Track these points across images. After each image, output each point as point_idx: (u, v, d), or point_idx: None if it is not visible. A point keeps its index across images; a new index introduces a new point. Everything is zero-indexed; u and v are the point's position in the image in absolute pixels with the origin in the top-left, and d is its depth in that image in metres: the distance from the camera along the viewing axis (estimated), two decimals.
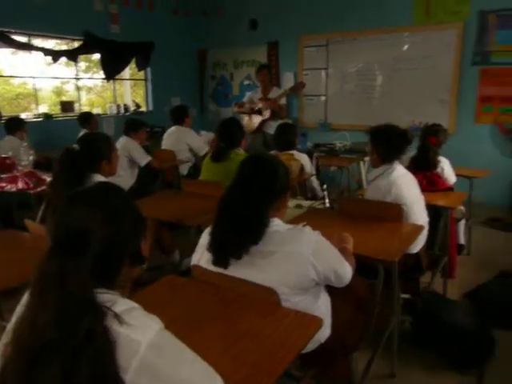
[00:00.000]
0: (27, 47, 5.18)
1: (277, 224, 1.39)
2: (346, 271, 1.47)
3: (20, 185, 3.06)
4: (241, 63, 6.74)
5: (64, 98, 6.29)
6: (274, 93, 4.90)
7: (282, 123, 3.66)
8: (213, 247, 1.39)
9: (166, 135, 4.56)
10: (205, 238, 1.48)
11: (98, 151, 2.14)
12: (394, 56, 5.38)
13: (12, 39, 4.93)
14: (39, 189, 3.09)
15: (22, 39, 5.12)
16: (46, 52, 5.33)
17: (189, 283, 1.53)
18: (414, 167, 2.97)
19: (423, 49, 5.17)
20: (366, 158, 4.29)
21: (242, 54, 6.67)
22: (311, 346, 1.47)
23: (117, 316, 0.78)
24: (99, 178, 2.13)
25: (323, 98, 5.99)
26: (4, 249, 1.98)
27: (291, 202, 2.82)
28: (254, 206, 1.34)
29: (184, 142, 4.35)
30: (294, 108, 6.18)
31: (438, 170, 3.10)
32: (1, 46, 4.91)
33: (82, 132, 4.97)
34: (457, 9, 4.91)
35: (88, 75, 6.70)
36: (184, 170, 4.39)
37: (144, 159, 3.87)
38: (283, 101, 4.94)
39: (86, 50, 5.72)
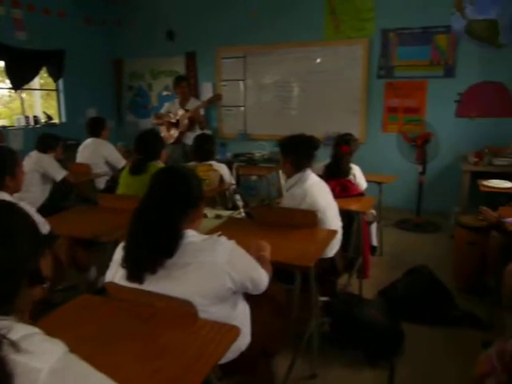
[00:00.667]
0: None
1: (191, 235, 1.39)
2: (262, 278, 1.51)
3: None
4: (158, 73, 6.65)
5: None
6: (192, 104, 4.90)
7: (200, 134, 3.67)
8: (127, 262, 1.36)
9: (81, 148, 4.36)
10: (119, 254, 1.44)
11: (1, 166, 2.00)
12: (308, 69, 5.63)
13: None
14: None
15: None
16: None
17: (104, 301, 1.48)
18: (328, 175, 3.14)
19: (334, 62, 5.47)
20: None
21: (160, 65, 6.59)
22: (232, 354, 1.48)
23: (13, 344, 0.74)
24: (4, 195, 1.99)
25: (242, 109, 6.09)
26: None
27: (211, 213, 2.83)
28: (167, 219, 1.34)
29: (100, 154, 4.19)
30: (214, 119, 6.22)
31: (350, 176, 3.29)
32: None
33: None
34: (362, 26, 5.28)
35: None
36: (101, 183, 4.22)
37: (60, 174, 3.66)
38: (201, 112, 4.96)
39: None
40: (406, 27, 5.03)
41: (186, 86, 4.93)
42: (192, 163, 3.47)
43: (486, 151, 4.42)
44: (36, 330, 0.81)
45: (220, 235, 1.44)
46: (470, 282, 3.09)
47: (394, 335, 2.43)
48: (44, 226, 2.10)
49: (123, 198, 2.79)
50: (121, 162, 4.25)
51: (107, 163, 4.26)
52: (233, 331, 1.25)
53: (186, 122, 4.80)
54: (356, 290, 3.07)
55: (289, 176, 2.50)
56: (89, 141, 4.33)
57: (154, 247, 1.31)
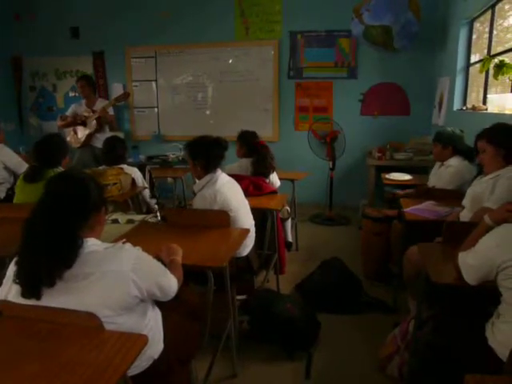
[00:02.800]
0: None
1: (93, 244, 1.33)
2: (170, 284, 1.48)
3: None
4: (64, 73, 6.27)
5: None
6: (100, 104, 4.68)
7: (110, 137, 3.52)
8: (20, 277, 1.26)
9: None
10: (12, 269, 1.33)
11: None
12: (220, 69, 5.65)
13: None
14: None
15: None
16: None
17: None
18: (257, 171, 3.21)
19: (246, 63, 5.55)
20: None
21: (65, 64, 6.20)
22: (144, 363, 1.44)
23: None
24: None
25: (155, 110, 5.95)
26: None
27: (123, 218, 2.73)
28: (62, 226, 1.26)
29: None
30: (126, 120, 6.01)
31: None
32: None
33: None
34: (271, 28, 5.41)
35: None
36: (1, 192, 3.87)
37: None
38: (110, 112, 4.75)
39: None
40: (312, 30, 5.24)
41: (86, 84, 4.69)
42: (102, 167, 3.32)
43: (388, 147, 4.76)
44: None
45: (125, 242, 1.39)
46: (376, 269, 3.30)
47: (309, 327, 2.53)
48: None
49: (21, 207, 2.57)
50: (22, 166, 3.92)
51: (6, 169, 3.92)
52: (140, 340, 1.22)
53: (93, 123, 4.57)
54: (274, 286, 3.14)
55: (199, 178, 2.48)
56: None
57: (49, 257, 1.23)
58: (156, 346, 1.48)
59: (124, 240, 1.40)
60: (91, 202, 1.34)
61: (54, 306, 1.26)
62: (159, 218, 2.64)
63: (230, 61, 5.60)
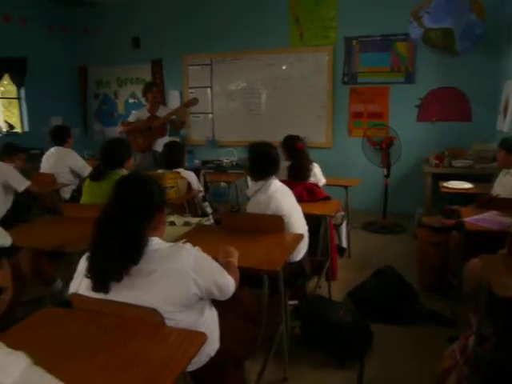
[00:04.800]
0: None
1: (156, 242, 1.40)
2: (228, 284, 1.52)
3: None
4: (125, 81, 6.59)
5: None
6: (162, 111, 4.86)
7: (170, 142, 3.65)
8: (91, 272, 1.34)
9: (44, 157, 4.25)
10: (82, 265, 1.42)
11: None
12: (274, 75, 5.70)
13: None
14: None
15: None
16: None
17: (67, 313, 1.45)
18: (292, 176, 3.17)
19: (300, 69, 5.56)
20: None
21: (126, 72, 6.52)
22: (201, 361, 1.49)
23: None
24: None
25: (210, 116, 6.10)
26: None
27: (179, 220, 2.83)
28: (131, 226, 1.34)
29: (65, 163, 4.11)
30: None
31: (314, 179, 3.35)
32: None
33: None
34: (326, 34, 5.40)
35: None
36: (66, 193, 4.13)
37: (22, 184, 3.55)
38: (174, 117, 4.92)
39: None
40: (367, 35, 5.17)
41: (157, 91, 4.90)
42: (160, 170, 3.45)
43: (446, 154, 4.58)
44: None
45: (185, 242, 1.45)
46: (433, 280, 3.19)
47: (362, 335, 2.49)
48: (6, 239, 2.04)
49: (88, 207, 2.74)
50: (86, 170, 4.17)
51: (72, 172, 4.18)
52: (200, 337, 1.26)
53: (157, 128, 4.75)
54: (325, 292, 3.12)
55: (253, 181, 2.53)
56: (52, 150, 4.24)
57: (119, 254, 1.31)
58: (213, 344, 1.53)
59: (184, 240, 1.46)
60: (155, 202, 1.42)
61: (120, 301, 1.34)
62: (213, 221, 2.70)
63: (284, 67, 5.64)
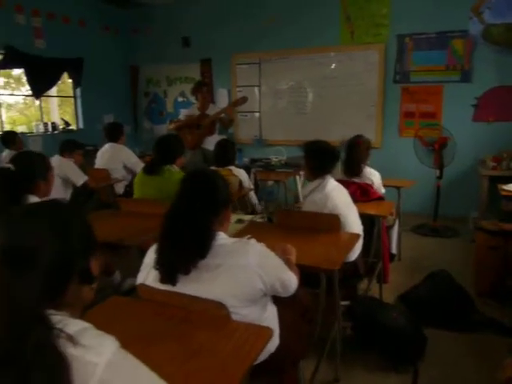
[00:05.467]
0: None
1: (222, 237, 1.42)
2: (291, 281, 1.52)
3: None
4: (174, 80, 6.73)
5: None
6: (212, 109, 4.93)
7: (222, 139, 3.70)
8: (160, 264, 1.38)
9: (99, 153, 4.42)
10: (150, 257, 1.46)
11: (34, 170, 2.06)
12: (322, 74, 5.66)
13: None
14: None
15: None
16: None
17: (134, 303, 1.50)
18: (346, 171, 3.14)
19: (350, 67, 5.48)
20: (302, 172, 4.45)
21: (176, 71, 6.66)
22: (262, 356, 1.49)
23: (70, 338, 0.76)
24: (34, 199, 2.03)
25: (257, 115, 6.13)
26: None
27: (232, 217, 2.86)
28: (199, 220, 1.36)
29: (119, 159, 4.25)
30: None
31: (368, 182, 3.29)
32: None
33: (6, 152, 4.69)
34: (377, 32, 5.29)
35: (7, 92, 6.31)
36: (120, 188, 4.27)
37: (80, 179, 3.72)
38: (223, 115, 4.98)
39: (7, 64, 5.41)
40: (421, 32, 5.02)
41: (207, 91, 4.98)
42: (212, 168, 3.51)
43: (504, 155, 4.38)
44: (88, 324, 0.84)
45: (250, 238, 1.46)
46: (491, 286, 3.06)
47: (416, 339, 2.42)
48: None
49: (143, 201, 2.83)
50: (139, 166, 4.29)
51: (125, 168, 4.31)
52: (266, 332, 1.27)
53: (206, 126, 4.83)
54: (376, 295, 3.06)
55: (308, 179, 2.53)
56: (106, 146, 4.39)
57: (188, 248, 1.34)
58: (274, 341, 1.53)
59: (249, 236, 1.48)
60: (222, 198, 1.44)
61: (186, 293, 1.37)
62: (266, 218, 2.71)
63: (333, 66, 5.58)
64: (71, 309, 0.89)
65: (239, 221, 2.72)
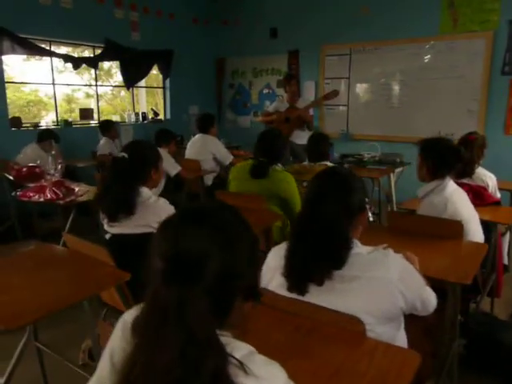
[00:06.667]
0: (48, 53, 5.12)
1: (358, 246, 1.28)
2: (430, 299, 1.35)
3: (48, 195, 2.95)
4: (260, 72, 6.67)
5: (74, 106, 6.26)
6: (301, 102, 4.79)
7: (316, 133, 3.56)
8: (290, 272, 1.27)
9: (190, 144, 4.46)
10: (274, 260, 1.36)
11: (147, 159, 2.05)
12: (418, 65, 5.30)
13: (34, 45, 4.88)
14: (68, 199, 2.98)
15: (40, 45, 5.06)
16: (67, 59, 5.28)
17: (258, 309, 1.41)
18: (455, 175, 2.85)
19: (450, 58, 5.08)
20: (397, 170, 4.18)
21: (262, 63, 6.60)
22: None
23: (241, 365, 0.67)
24: (145, 190, 2.03)
25: (344, 108, 5.90)
26: (46, 266, 1.87)
27: None
28: (338, 227, 1.23)
29: (209, 150, 4.25)
30: (315, 118, 6.09)
31: (481, 184, 2.98)
32: (21, 52, 4.85)
33: (103, 140, 4.91)
34: (485, 18, 4.83)
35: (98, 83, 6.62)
36: (209, 180, 4.28)
37: (174, 169, 3.76)
38: (311, 111, 4.84)
39: (106, 57, 5.67)
40: None
41: (296, 83, 4.85)
42: (305, 163, 3.38)
43: None
44: (251, 348, 0.75)
45: (386, 248, 1.31)
46: None
47: None
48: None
49: (243, 196, 2.75)
50: (228, 158, 4.29)
51: (215, 159, 4.31)
52: (414, 359, 1.12)
53: (296, 120, 4.71)
54: (486, 309, 2.78)
55: (422, 180, 2.30)
56: (197, 137, 4.42)
57: (323, 257, 1.22)
58: None
59: (386, 245, 1.32)
60: (359, 201, 1.29)
61: (316, 304, 1.25)
62: (371, 218, 2.54)
63: (431, 57, 5.20)
64: (233, 329, 0.79)
65: None
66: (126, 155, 1.99)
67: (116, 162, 2.00)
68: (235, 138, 6.38)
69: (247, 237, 0.81)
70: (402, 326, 1.36)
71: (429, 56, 5.21)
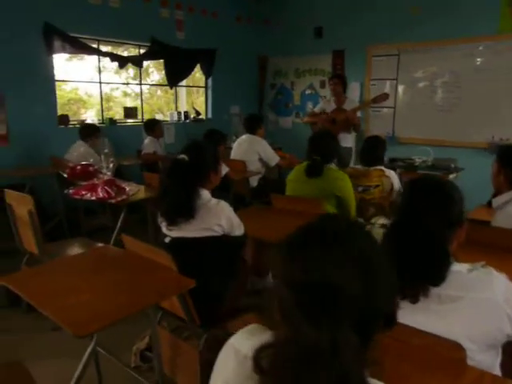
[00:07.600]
0: (96, 52, 5.18)
1: (456, 263, 1.16)
2: None
3: (100, 194, 2.94)
4: (303, 72, 6.56)
5: (111, 104, 6.33)
6: (349, 104, 4.66)
7: (372, 136, 3.42)
8: None
9: (236, 144, 4.40)
10: None
11: (207, 161, 1.99)
12: (471, 66, 5.06)
13: (84, 44, 4.94)
14: (120, 198, 2.96)
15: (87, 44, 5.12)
16: (113, 58, 5.33)
17: None
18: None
19: (508, 59, 4.82)
20: (451, 176, 3.99)
21: (305, 63, 6.49)
22: None
23: None
24: (205, 192, 1.97)
25: (390, 110, 5.71)
26: (105, 267, 1.84)
27: (377, 220, 2.60)
28: (439, 239, 1.13)
29: (255, 151, 4.18)
30: (360, 120, 5.93)
31: None
32: (71, 51, 4.92)
33: (148, 139, 4.91)
34: None
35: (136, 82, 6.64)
36: (254, 181, 4.21)
37: (223, 170, 3.70)
38: (358, 114, 4.70)
39: (151, 56, 5.69)
40: None
41: (340, 83, 4.71)
42: (359, 167, 3.26)
43: None
44: None
45: (484, 266, 1.19)
46: None
47: None
48: (240, 228, 2.05)
49: (298, 199, 2.67)
50: (274, 159, 4.21)
51: (261, 160, 4.24)
52: None
53: (343, 122, 4.58)
54: None
55: (497, 189, 2.15)
56: (244, 137, 4.36)
57: (421, 272, 1.11)
58: None
59: (484, 262, 1.21)
60: (458, 212, 1.18)
61: (408, 324, 1.15)
62: None
63: (487, 57, 4.96)
64: (372, 365, 0.68)
65: (383, 226, 2.43)
66: (186, 157, 1.94)
67: (176, 164, 1.94)
68: (276, 139, 6.29)
69: (385, 260, 0.72)
70: (500, 354, 1.23)
71: (484, 56, 4.97)
